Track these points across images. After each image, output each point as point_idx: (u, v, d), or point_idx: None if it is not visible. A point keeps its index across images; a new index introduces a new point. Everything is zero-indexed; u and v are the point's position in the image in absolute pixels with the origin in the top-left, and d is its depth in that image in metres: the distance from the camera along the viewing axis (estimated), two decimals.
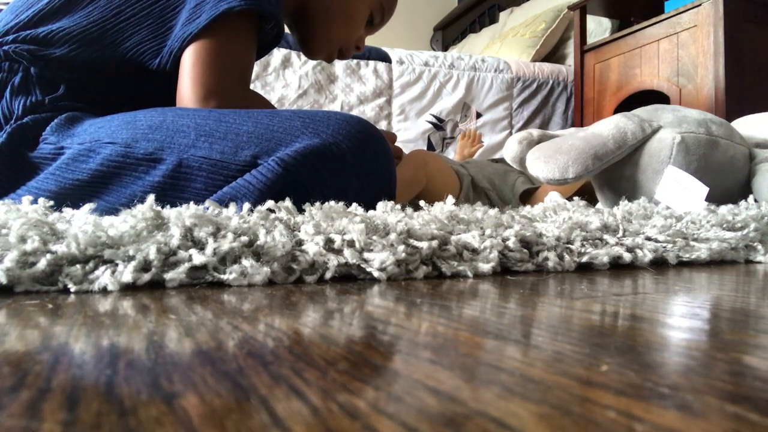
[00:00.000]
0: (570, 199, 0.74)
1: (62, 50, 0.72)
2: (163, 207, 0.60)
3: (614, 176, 0.96)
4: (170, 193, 0.62)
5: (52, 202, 0.48)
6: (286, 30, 0.89)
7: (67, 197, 0.64)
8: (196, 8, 0.71)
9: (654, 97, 1.83)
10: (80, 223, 0.41)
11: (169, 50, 0.72)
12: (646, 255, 0.53)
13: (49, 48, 0.71)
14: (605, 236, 0.55)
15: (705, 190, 0.83)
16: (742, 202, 0.75)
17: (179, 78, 0.72)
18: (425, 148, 2.15)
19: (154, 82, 0.76)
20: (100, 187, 0.65)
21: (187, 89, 0.71)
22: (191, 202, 0.48)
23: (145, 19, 0.73)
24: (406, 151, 1.95)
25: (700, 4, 1.71)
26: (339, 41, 0.92)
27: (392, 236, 0.44)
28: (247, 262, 0.40)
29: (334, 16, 0.89)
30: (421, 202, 0.59)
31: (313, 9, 0.88)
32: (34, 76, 0.71)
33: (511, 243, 0.49)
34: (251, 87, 1.93)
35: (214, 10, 0.70)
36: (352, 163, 0.63)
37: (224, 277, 0.39)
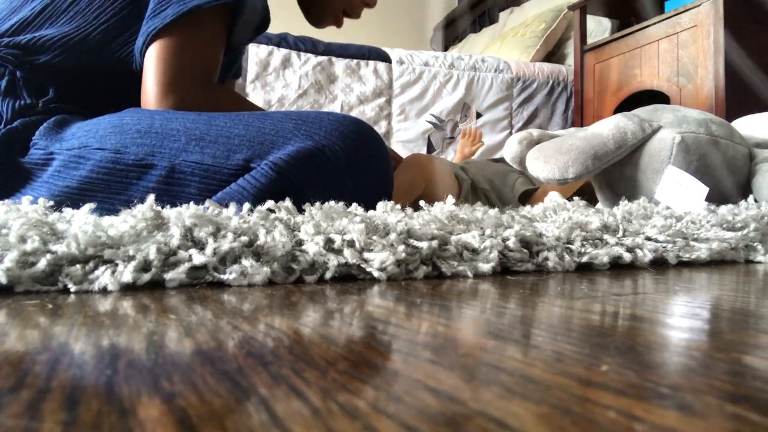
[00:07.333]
0: (570, 199, 0.74)
1: (46, 57, 0.70)
2: None
3: (614, 176, 0.96)
4: (165, 199, 0.62)
5: (51, 203, 0.48)
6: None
7: (59, 205, 0.64)
8: (162, 1, 0.69)
9: (654, 97, 1.83)
10: (80, 223, 0.41)
11: (138, 48, 0.71)
12: (646, 255, 0.53)
13: (33, 55, 0.70)
14: (605, 236, 0.55)
15: (705, 190, 0.83)
16: (742, 202, 0.75)
17: (143, 76, 0.70)
18: (425, 148, 2.15)
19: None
20: (90, 194, 0.64)
21: (148, 87, 0.69)
22: (191, 202, 0.48)
23: (126, 19, 0.72)
24: (404, 153, 1.95)
25: (700, 4, 1.71)
26: (339, 5, 0.91)
27: (392, 236, 0.44)
28: (247, 262, 0.40)
29: None
30: (421, 203, 0.59)
31: None
32: (20, 80, 0.70)
33: (511, 243, 0.49)
34: (253, 86, 1.92)
35: (182, 6, 0.68)
36: (346, 164, 0.63)
37: (224, 277, 0.39)
